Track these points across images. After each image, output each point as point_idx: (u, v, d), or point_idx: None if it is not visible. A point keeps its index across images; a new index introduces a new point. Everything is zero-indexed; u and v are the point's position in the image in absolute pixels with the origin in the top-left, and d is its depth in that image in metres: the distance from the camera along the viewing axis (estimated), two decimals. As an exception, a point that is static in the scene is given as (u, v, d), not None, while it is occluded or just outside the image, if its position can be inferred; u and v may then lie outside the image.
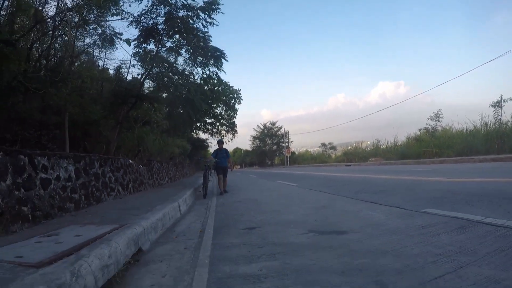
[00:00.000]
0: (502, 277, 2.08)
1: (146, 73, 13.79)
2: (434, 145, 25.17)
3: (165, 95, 14.50)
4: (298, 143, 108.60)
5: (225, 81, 39.64)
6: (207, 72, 15.70)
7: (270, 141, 77.91)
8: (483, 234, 3.07)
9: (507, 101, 21.47)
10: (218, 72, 16.18)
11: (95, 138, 12.06)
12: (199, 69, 15.26)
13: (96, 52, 13.94)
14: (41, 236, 3.52)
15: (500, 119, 21.73)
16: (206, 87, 21.51)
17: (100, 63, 14.46)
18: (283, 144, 70.80)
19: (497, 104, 21.92)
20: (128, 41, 13.03)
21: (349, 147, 49.68)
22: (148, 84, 14.40)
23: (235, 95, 43.08)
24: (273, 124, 77.59)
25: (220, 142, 12.02)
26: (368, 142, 44.06)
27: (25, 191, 4.58)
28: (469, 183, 7.24)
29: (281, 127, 75.96)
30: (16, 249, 2.99)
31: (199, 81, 15.85)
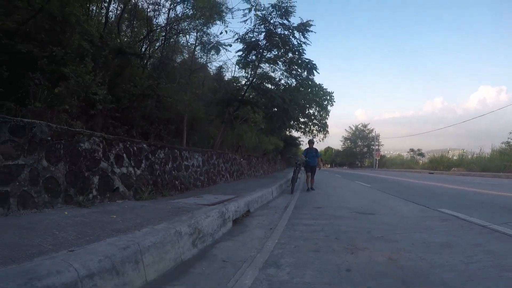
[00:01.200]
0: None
1: (249, 83, 16.55)
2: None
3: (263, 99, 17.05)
4: (391, 146, 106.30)
5: (319, 83, 41.75)
6: (299, 81, 18.22)
7: (361, 143, 77.84)
8: (459, 224, 4.99)
9: None
10: (311, 78, 18.76)
11: (201, 133, 14.29)
12: (293, 80, 17.77)
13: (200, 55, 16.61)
14: (194, 198, 6.23)
15: None
16: (300, 98, 23.89)
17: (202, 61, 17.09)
18: (373, 147, 70.53)
19: None
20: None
21: (436, 155, 48.84)
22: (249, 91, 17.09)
23: (328, 97, 44.83)
24: (365, 126, 77.51)
25: (311, 142, 12.72)
26: (460, 151, 43.21)
27: (177, 172, 7.50)
28: (503, 196, 8.70)
29: (372, 130, 75.71)
30: (189, 200, 5.68)
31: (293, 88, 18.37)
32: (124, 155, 5.82)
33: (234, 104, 15.55)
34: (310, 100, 39.92)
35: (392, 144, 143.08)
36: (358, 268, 2.86)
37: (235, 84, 18.58)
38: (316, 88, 41.41)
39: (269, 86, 17.05)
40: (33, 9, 6.38)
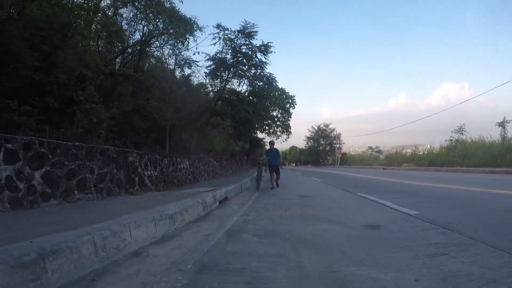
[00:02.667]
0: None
1: (218, 96, 19.54)
2: (458, 155, 28.65)
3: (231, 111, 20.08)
4: (355, 143, 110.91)
5: (282, 88, 45.21)
6: (260, 92, 21.57)
7: (324, 142, 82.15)
8: (360, 200, 8.07)
9: (509, 122, 25.36)
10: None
11: (177, 139, 16.50)
12: (255, 91, 20.96)
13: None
14: (191, 189, 9.07)
15: (505, 136, 25.47)
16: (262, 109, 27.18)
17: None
18: (335, 145, 74.69)
19: (502, 124, 25.82)
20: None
21: (391, 152, 52.97)
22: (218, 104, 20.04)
23: (290, 100, 48.16)
24: (327, 126, 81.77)
25: (272, 143, 13.48)
26: (424, 147, 46.94)
27: (174, 173, 10.41)
28: (420, 186, 11.80)
29: (334, 129, 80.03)
30: (190, 190, 8.52)
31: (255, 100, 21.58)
32: (148, 163, 8.81)
33: (206, 115, 18.43)
34: (273, 103, 43.32)
35: (356, 141, 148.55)
36: (286, 215, 5.75)
37: (202, 89, 21.52)
38: (279, 92, 44.85)
39: (236, 98, 19.88)
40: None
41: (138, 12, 13.86)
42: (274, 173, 12.25)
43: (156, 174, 9.38)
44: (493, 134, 27.27)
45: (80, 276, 2.56)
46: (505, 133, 25.94)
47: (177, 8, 14.14)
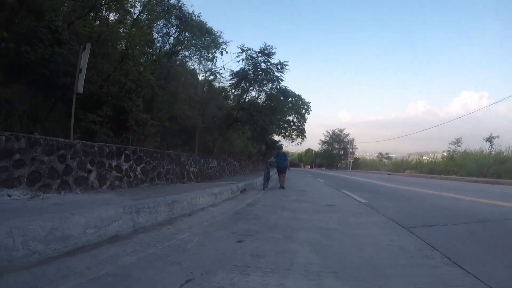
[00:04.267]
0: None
1: (239, 106, 23.04)
2: (455, 165, 31.46)
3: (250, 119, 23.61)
4: (370, 147, 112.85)
5: (298, 94, 48.40)
6: (275, 103, 25.08)
7: (338, 146, 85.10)
8: (341, 195, 11.32)
9: (495, 138, 28.50)
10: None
11: (202, 141, 19.71)
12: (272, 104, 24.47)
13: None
14: (218, 181, 12.44)
15: (492, 150, 28.56)
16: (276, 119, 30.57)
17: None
18: (348, 150, 77.55)
19: (489, 139, 28.91)
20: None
21: (398, 159, 55.74)
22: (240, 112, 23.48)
23: (306, 106, 51.25)
24: (341, 130, 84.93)
25: (280, 147, 16.11)
26: (433, 155, 49.53)
27: (206, 170, 13.90)
28: (396, 188, 15.05)
29: (348, 134, 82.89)
30: (220, 182, 11.90)
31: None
32: (192, 162, 12.34)
33: (229, 121, 21.93)
34: (289, 109, 46.47)
35: (370, 146, 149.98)
36: (284, 199, 8.95)
37: (223, 94, 25.15)
38: (295, 98, 47.88)
39: (254, 109, 23.30)
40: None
41: (170, 25, 15.80)
42: (282, 174, 13.26)
43: (196, 170, 12.92)
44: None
45: (184, 213, 5.86)
46: (492, 148, 28.98)
47: (204, 21, 16.58)
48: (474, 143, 41.53)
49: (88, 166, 6.79)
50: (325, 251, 3.53)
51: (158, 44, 16.26)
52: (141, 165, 9.02)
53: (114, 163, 7.76)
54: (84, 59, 7.22)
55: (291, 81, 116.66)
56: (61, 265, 2.77)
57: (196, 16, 15.98)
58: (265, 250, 3.51)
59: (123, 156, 8.19)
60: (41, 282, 2.40)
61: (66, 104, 9.21)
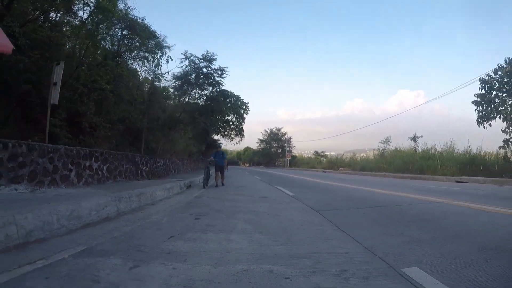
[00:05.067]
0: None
1: (182, 109, 24.59)
2: (385, 162, 34.38)
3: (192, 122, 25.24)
4: (308, 145, 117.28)
5: (237, 95, 50.42)
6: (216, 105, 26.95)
7: (276, 144, 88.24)
8: (272, 189, 13.37)
9: (419, 137, 32.15)
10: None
11: (145, 142, 20.46)
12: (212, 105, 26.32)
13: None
14: (167, 179, 14.04)
15: (416, 149, 32.13)
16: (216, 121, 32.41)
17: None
18: (286, 148, 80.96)
19: (413, 138, 32.49)
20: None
21: (333, 157, 59.52)
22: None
23: (244, 107, 53.41)
24: (279, 129, 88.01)
25: (219, 146, 16.95)
26: (370, 152, 53.23)
27: (155, 168, 15.37)
28: (322, 183, 17.42)
29: (285, 133, 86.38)
30: (167, 180, 13.50)
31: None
32: (144, 161, 13.69)
33: (172, 123, 23.43)
34: (228, 109, 48.35)
35: (308, 144, 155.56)
36: (225, 192, 10.78)
37: (164, 93, 26.03)
38: (234, 99, 49.86)
39: (197, 112, 24.97)
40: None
41: (116, 28, 16.05)
42: (220, 173, 13.83)
43: (147, 169, 14.31)
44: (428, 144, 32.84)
45: (148, 203, 7.46)
46: (416, 146, 32.53)
47: (149, 25, 17.28)
48: (404, 141, 45.31)
49: (69, 166, 8.29)
50: (255, 223, 5.36)
51: (103, 44, 16.50)
52: (107, 165, 10.47)
53: (87, 163, 9.25)
54: (59, 74, 8.57)
55: (230, 82, 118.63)
56: (83, 233, 4.37)
57: (141, 19, 16.64)
58: (215, 223, 5.31)
59: (93, 158, 9.63)
60: (77, 242, 3.94)
61: (25, 109, 10.27)
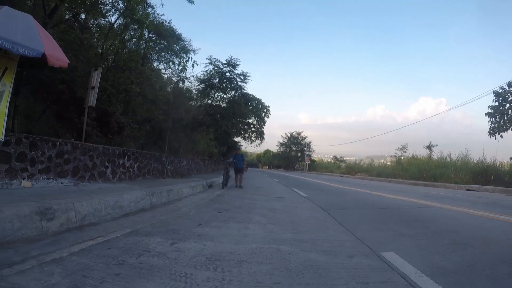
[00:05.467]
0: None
1: (205, 112, 25.61)
2: (401, 169, 34.73)
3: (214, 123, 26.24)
4: (327, 150, 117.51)
5: (259, 98, 51.39)
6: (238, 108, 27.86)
7: (295, 148, 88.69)
8: (288, 190, 14.16)
9: (434, 146, 32.47)
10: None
11: (170, 142, 21.70)
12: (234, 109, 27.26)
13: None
14: (190, 178, 14.98)
15: (430, 157, 32.41)
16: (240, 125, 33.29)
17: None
18: (305, 152, 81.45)
19: (429, 147, 32.85)
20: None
21: (351, 163, 59.86)
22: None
23: (265, 110, 54.32)
24: (299, 133, 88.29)
25: (238, 148, 16.55)
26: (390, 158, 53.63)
27: (179, 168, 16.38)
28: (336, 187, 18.12)
29: (305, 137, 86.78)
30: (191, 179, 14.44)
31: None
32: (169, 161, 14.67)
33: (195, 125, 24.46)
34: (249, 111, 49.34)
35: (328, 148, 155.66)
36: (244, 192, 11.60)
37: (187, 94, 27.04)
38: (256, 102, 50.81)
39: (219, 115, 26.00)
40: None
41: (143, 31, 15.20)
42: (239, 174, 14.18)
43: (172, 168, 15.29)
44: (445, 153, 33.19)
45: (175, 199, 8.34)
46: (431, 154, 32.85)
47: (175, 28, 18.17)
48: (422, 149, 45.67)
49: (106, 163, 9.30)
50: (269, 217, 6.16)
51: (130, 45, 16.63)
52: (137, 163, 11.50)
53: (121, 161, 10.26)
54: (97, 79, 9.50)
55: (252, 85, 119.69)
56: (126, 219, 5.24)
57: (167, 22, 17.25)
58: (235, 216, 6.14)
59: (126, 156, 10.64)
60: (124, 226, 4.81)
61: (58, 107, 11.05)
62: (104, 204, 5.28)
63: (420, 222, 6.12)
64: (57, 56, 5.90)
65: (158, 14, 16.66)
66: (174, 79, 23.29)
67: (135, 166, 11.45)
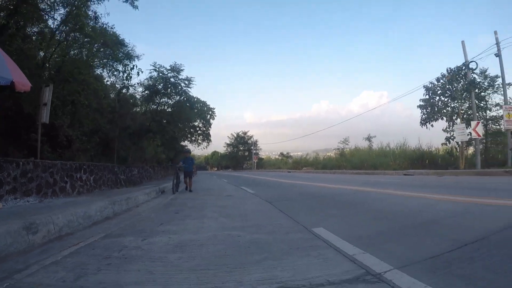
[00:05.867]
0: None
1: (151, 118, 26.07)
2: (345, 160, 37.11)
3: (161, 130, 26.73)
4: (274, 147, 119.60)
5: (203, 101, 52.02)
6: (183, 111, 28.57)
7: (242, 148, 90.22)
8: (237, 189, 15.10)
9: (373, 137, 35.01)
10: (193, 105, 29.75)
11: (116, 151, 21.93)
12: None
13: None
14: (142, 186, 15.55)
15: (370, 147, 34.83)
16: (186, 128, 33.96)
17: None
18: (252, 151, 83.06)
19: (368, 138, 35.33)
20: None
21: (297, 158, 61.99)
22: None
23: (210, 112, 55.07)
24: (245, 133, 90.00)
25: (187, 152, 16.46)
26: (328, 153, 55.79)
27: (131, 177, 16.88)
28: (282, 182, 19.30)
29: (251, 137, 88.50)
30: (143, 186, 15.00)
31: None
32: (122, 171, 15.17)
33: (142, 132, 24.89)
34: (195, 114, 49.88)
35: (274, 146, 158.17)
36: (196, 194, 12.40)
37: (131, 101, 27.18)
38: (201, 105, 51.41)
39: (165, 121, 26.58)
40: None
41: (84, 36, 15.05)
42: (188, 178, 14.25)
43: (124, 177, 15.75)
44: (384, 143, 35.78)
45: (133, 205, 9.01)
46: (371, 145, 35.25)
47: (118, 34, 18.08)
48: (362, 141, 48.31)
49: (65, 178, 9.81)
50: (221, 212, 7.10)
51: (71, 52, 16.05)
52: (93, 176, 11.99)
53: (78, 175, 10.77)
54: (49, 95, 9.95)
55: (196, 88, 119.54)
56: (96, 227, 5.98)
57: (110, 27, 16.72)
58: (191, 214, 7.06)
59: (82, 170, 11.14)
60: (97, 232, 5.62)
61: (7, 124, 10.90)
62: (76, 216, 5.95)
63: (351, 205, 7.40)
64: (23, 82, 6.44)
65: (103, 24, 16.29)
66: (117, 85, 23.60)
67: (91, 179, 11.93)
